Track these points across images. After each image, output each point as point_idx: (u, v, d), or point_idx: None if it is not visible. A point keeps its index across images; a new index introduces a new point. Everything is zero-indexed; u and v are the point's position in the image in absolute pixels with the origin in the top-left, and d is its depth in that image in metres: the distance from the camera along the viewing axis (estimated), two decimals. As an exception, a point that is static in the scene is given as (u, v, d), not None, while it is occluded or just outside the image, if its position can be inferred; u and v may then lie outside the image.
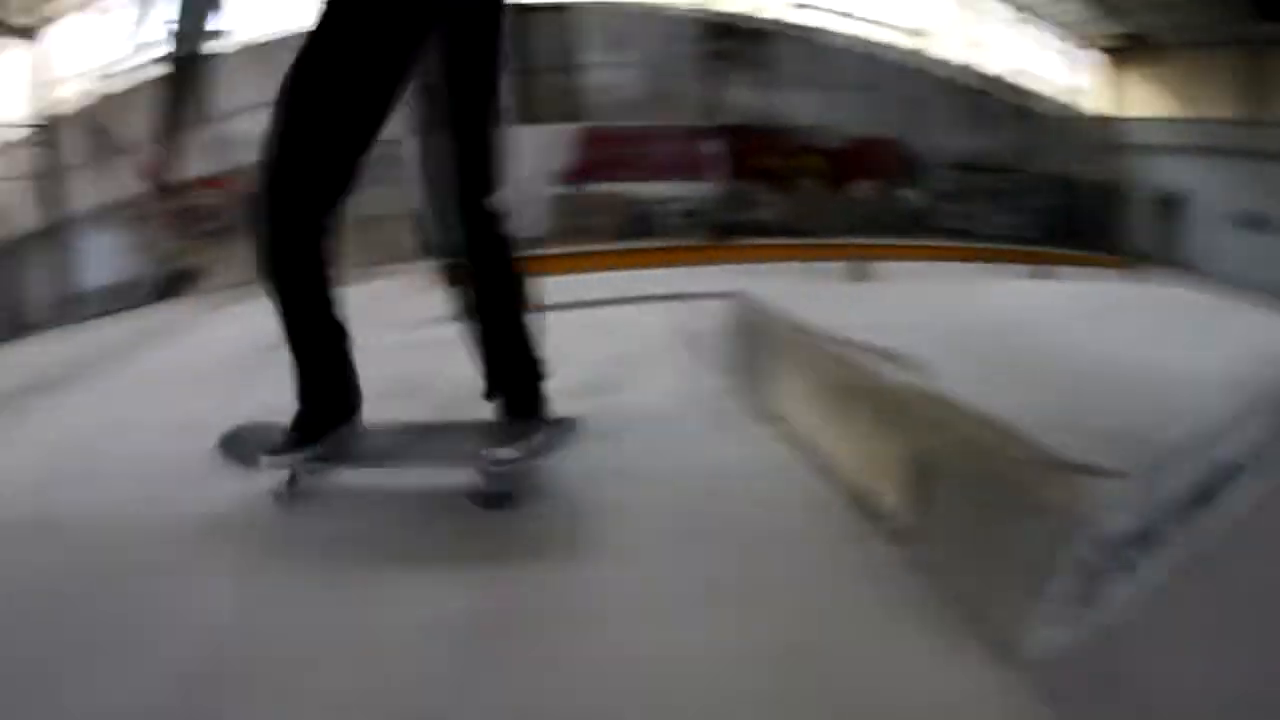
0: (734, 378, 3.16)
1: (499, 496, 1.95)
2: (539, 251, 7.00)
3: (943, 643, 1.36)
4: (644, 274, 5.87)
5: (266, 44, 11.90)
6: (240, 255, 8.95)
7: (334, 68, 1.91)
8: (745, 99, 12.01)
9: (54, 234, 14.56)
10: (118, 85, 13.76)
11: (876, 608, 1.51)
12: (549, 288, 4.99)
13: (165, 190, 2.54)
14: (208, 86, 2.22)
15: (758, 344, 2.99)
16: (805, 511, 1.98)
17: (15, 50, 14.45)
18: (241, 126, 11.65)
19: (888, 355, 2.03)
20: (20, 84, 14.56)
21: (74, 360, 5.72)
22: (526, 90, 10.96)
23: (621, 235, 10.13)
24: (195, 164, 8.86)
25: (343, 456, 2.14)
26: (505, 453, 1.93)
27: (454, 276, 3.19)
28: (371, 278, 8.68)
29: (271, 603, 1.63)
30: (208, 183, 12.19)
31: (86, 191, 14.20)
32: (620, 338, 4.31)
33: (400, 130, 8.27)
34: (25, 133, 14.62)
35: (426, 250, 9.26)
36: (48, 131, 14.38)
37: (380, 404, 2.46)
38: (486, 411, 2.32)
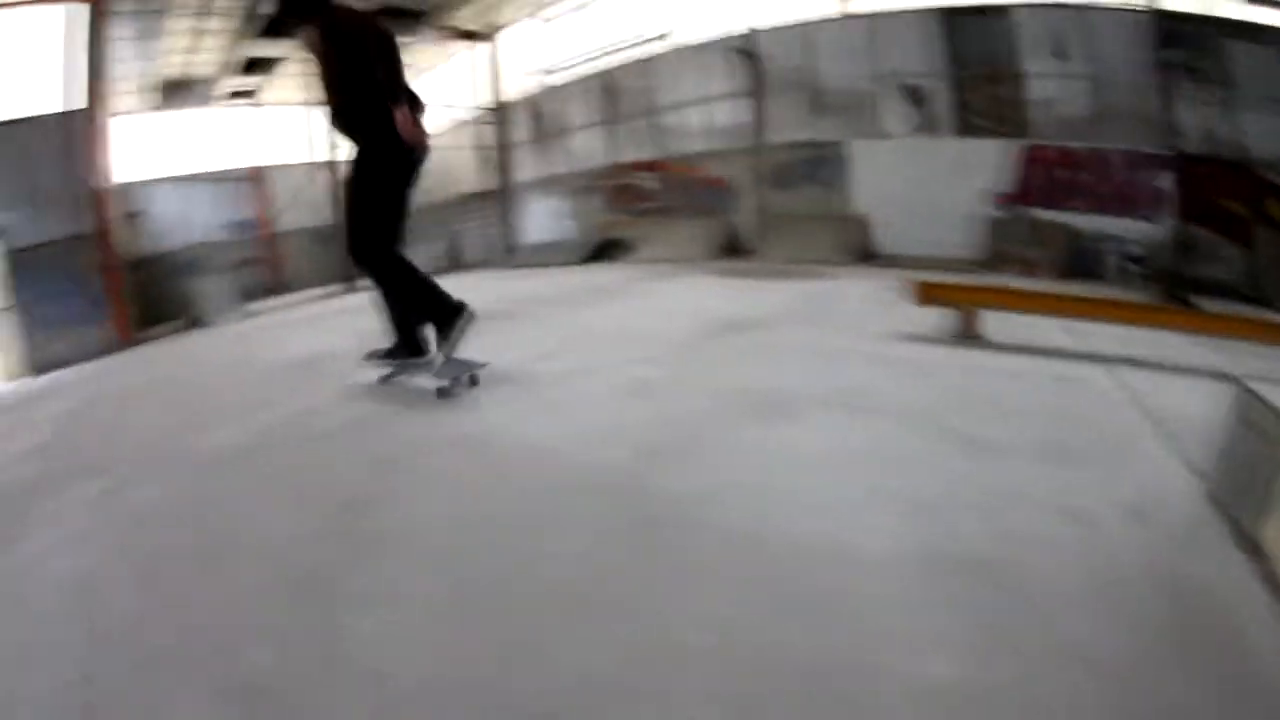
0: (1214, 482, 2.70)
1: (441, 393, 4.49)
2: (970, 280, 6.61)
3: None
4: (1086, 326, 5.11)
5: (700, 46, 12.63)
6: (669, 233, 10.21)
7: (381, 189, 4.30)
8: (1202, 120, 10.38)
9: (501, 195, 17.82)
10: (553, 81, 16.33)
11: None
12: (990, 323, 4.89)
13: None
14: None
15: (1255, 451, 2.46)
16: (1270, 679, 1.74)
17: (468, 51, 17.77)
18: (675, 119, 12.91)
19: None
20: (475, 76, 17.94)
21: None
22: (964, 101, 10.25)
23: (1060, 273, 8.96)
24: (636, 149, 10.28)
25: (401, 369, 4.76)
26: (431, 380, 4.57)
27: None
28: (816, 275, 9.17)
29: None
30: (645, 166, 13.59)
31: (526, 164, 17.26)
32: (1081, 401, 3.92)
33: (841, 131, 8.55)
34: (479, 113, 18.04)
35: (866, 253, 9.41)
36: (498, 113, 17.13)
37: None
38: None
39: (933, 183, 10.08)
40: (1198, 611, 2.00)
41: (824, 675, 1.77)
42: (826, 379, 4.36)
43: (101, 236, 12.73)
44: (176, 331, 13.32)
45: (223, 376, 6.94)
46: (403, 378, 4.78)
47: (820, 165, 11.37)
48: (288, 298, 16.54)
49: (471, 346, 4.70)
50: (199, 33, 14.49)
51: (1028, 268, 9.12)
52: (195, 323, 13.96)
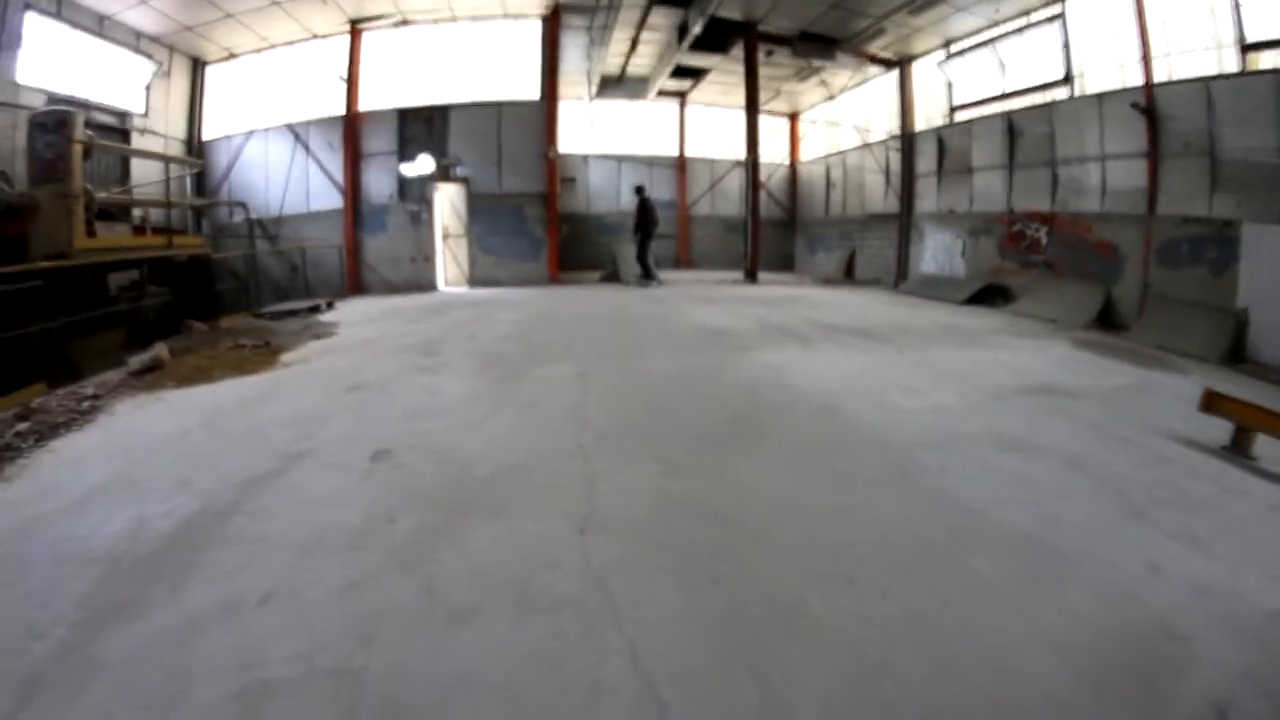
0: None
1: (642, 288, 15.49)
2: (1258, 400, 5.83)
3: None
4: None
5: (1101, 95, 12.49)
6: (1052, 290, 10.67)
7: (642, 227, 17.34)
8: None
9: (902, 222, 18.70)
10: (964, 116, 16.52)
11: None
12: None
13: None
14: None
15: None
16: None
17: (883, 77, 19.00)
18: (1073, 171, 12.70)
19: None
20: (888, 103, 19.01)
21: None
22: None
23: None
24: (1033, 197, 10.32)
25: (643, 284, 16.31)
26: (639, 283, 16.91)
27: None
28: (1168, 366, 8.78)
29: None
30: (1039, 217, 13.52)
31: (929, 195, 17.83)
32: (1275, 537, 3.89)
33: (1236, 209, 7.58)
34: (889, 139, 18.95)
35: (1238, 354, 9.57)
36: (906, 141, 17.93)
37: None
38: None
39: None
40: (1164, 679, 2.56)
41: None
42: (1075, 445, 5.18)
43: (548, 195, 16.99)
44: (594, 281, 17.89)
45: (637, 322, 10.91)
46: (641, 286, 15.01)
47: (1209, 245, 10.40)
48: (694, 272, 20.63)
49: (822, 359, 8.04)
50: (637, 41, 17.48)
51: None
52: (611, 277, 17.51)
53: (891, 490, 4.22)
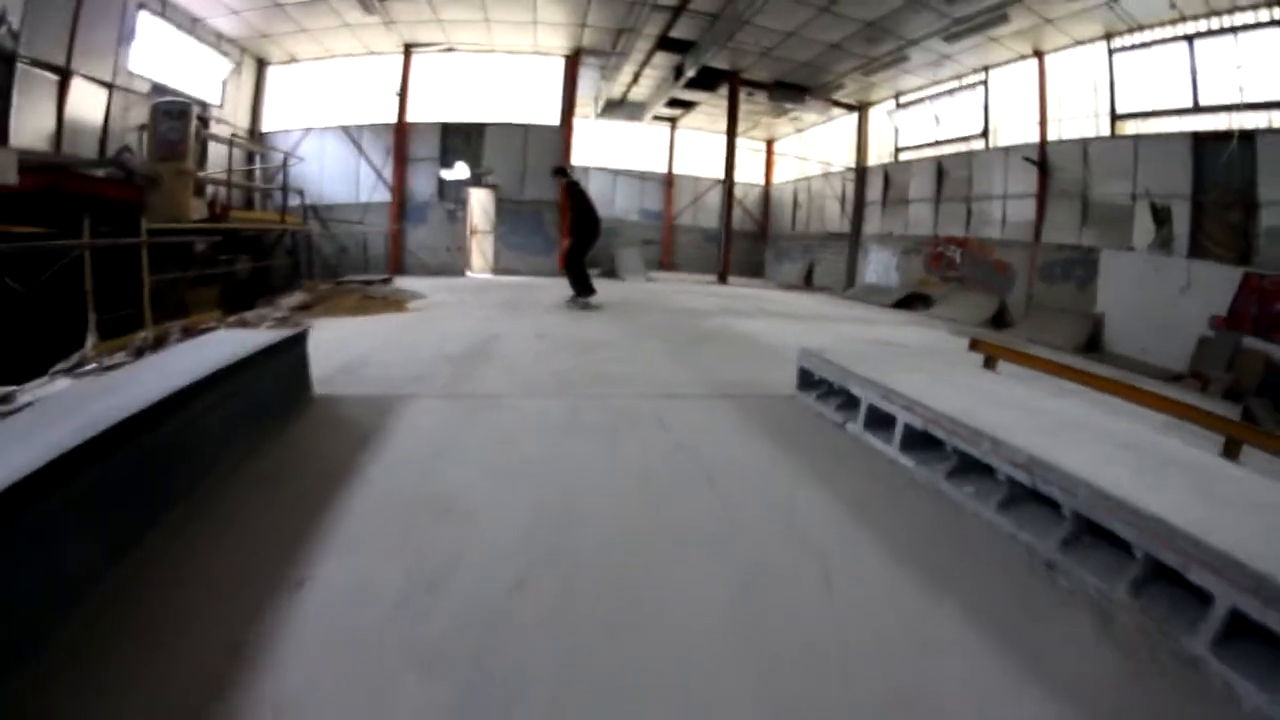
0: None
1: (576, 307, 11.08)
2: (1002, 340, 8.28)
3: None
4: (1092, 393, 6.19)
5: (1007, 149, 15.37)
6: (960, 298, 13.48)
7: (580, 232, 10.98)
8: None
9: (851, 240, 21.47)
10: (905, 156, 19.46)
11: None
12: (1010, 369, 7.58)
13: None
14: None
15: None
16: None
17: (844, 118, 21.79)
18: (981, 206, 15.43)
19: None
20: (847, 139, 21.83)
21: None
22: (1200, 223, 10.77)
23: (1230, 396, 9.13)
24: (951, 225, 13.65)
25: (576, 304, 10.94)
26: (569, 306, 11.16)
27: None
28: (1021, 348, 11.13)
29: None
30: (955, 241, 16.31)
31: (874, 219, 20.65)
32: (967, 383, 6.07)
33: (1098, 239, 10.47)
34: (845, 171, 21.73)
35: (1092, 346, 13.03)
36: (859, 173, 20.68)
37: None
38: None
39: (1161, 297, 11.22)
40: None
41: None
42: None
43: (561, 204, 18.77)
44: (596, 276, 19.63)
45: (639, 299, 13.72)
46: (573, 305, 11.11)
47: (1076, 266, 13.18)
48: (676, 274, 23.11)
49: (753, 322, 10.80)
50: (639, 75, 20.14)
51: (1202, 384, 9.75)
52: (609, 274, 20.04)
53: (761, 355, 7.54)
